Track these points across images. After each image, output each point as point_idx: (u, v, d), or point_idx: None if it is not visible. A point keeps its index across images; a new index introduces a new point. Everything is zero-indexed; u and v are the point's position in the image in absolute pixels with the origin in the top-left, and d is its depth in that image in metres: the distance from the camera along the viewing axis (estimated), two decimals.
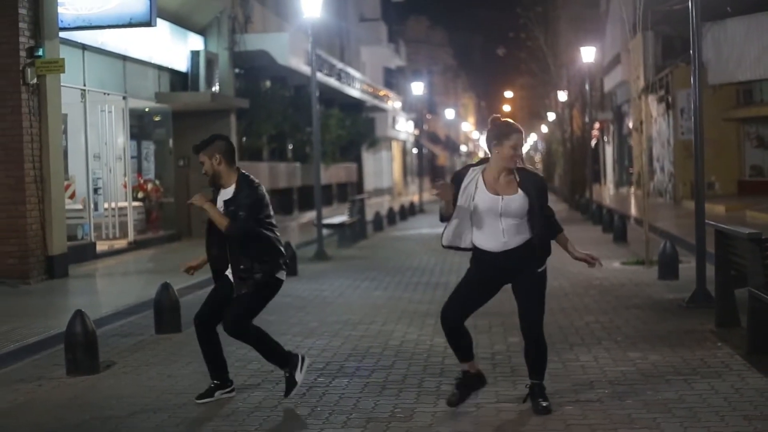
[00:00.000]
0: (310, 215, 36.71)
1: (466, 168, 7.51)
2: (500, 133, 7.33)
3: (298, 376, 7.99)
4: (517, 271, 7.40)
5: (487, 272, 7.43)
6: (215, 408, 7.77)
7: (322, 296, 14.41)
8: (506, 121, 7.47)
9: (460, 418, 7.29)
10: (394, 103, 58.93)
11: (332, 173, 43.39)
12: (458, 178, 7.41)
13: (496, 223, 7.29)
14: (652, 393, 7.79)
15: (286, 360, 8.04)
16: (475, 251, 7.43)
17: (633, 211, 32.18)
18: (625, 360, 9.07)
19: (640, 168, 19.10)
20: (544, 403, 7.40)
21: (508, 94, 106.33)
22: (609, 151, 57.06)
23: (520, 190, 7.29)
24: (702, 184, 12.17)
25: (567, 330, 10.77)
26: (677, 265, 14.70)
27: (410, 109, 65.13)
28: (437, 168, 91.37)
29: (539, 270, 7.44)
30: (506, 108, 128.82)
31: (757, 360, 8.71)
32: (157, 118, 26.01)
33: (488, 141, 7.41)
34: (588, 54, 32.86)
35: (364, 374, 8.56)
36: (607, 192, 51.24)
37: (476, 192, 7.30)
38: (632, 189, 46.78)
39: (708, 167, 27.78)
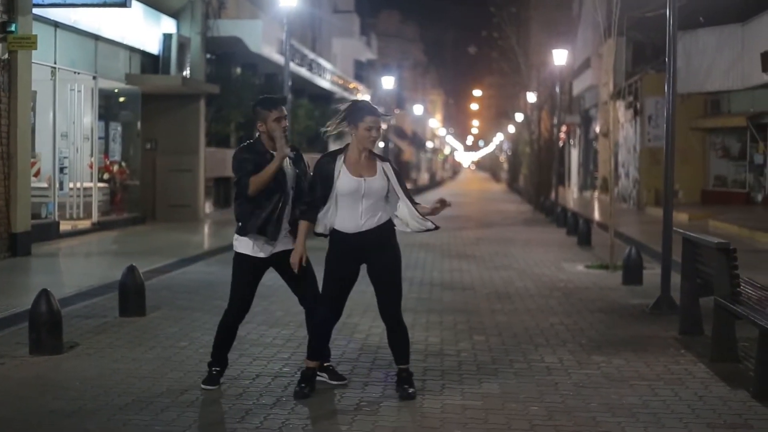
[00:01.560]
0: None
1: (330, 155, 7.70)
2: (354, 115, 7.60)
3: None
4: (370, 253, 7.65)
5: (344, 254, 7.68)
6: (178, 395, 7.72)
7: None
8: (362, 102, 7.80)
9: (426, 415, 7.28)
10: (363, 96, 58.87)
11: None
12: (324, 168, 7.59)
13: (357, 204, 7.54)
14: (616, 397, 7.82)
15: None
16: (333, 234, 7.67)
17: (597, 215, 32.32)
18: (589, 363, 9.10)
19: (608, 173, 19.14)
20: (411, 390, 7.68)
21: (477, 92, 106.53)
22: (575, 155, 57.28)
23: (378, 172, 7.61)
24: (671, 192, 12.26)
25: (532, 330, 10.79)
26: (641, 271, 14.79)
27: (379, 103, 64.94)
28: (402, 163, 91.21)
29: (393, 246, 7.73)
30: (474, 106, 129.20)
31: (720, 369, 8.78)
32: (125, 100, 25.85)
33: (347, 122, 7.66)
34: (560, 57, 32.94)
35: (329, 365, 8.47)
36: (570, 195, 51.41)
37: (339, 176, 7.53)
38: (596, 193, 46.99)
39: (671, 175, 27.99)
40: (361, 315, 11.69)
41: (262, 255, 7.86)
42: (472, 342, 10.11)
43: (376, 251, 7.64)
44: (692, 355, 9.40)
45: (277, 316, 11.55)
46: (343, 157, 7.60)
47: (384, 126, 7.92)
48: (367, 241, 7.58)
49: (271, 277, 15.00)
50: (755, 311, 8.38)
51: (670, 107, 12.00)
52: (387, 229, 7.68)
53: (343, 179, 7.51)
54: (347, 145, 7.69)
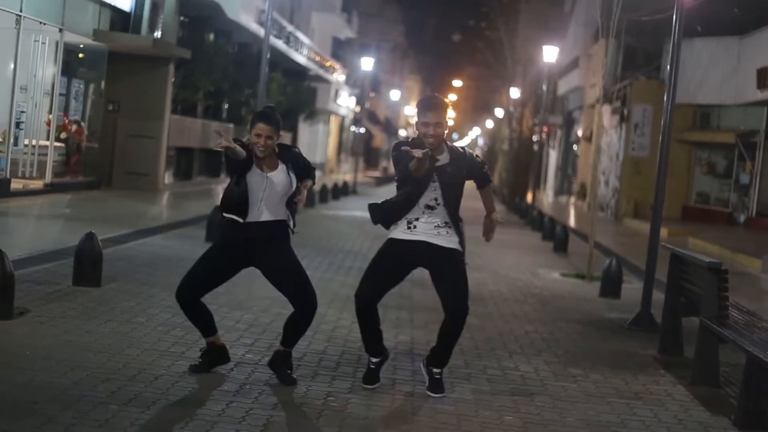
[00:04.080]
0: None
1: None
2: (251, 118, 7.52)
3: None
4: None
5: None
6: (136, 373, 7.30)
7: (250, 268, 13.89)
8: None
9: (396, 415, 6.93)
10: (338, 76, 58.13)
11: None
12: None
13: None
14: (593, 413, 7.51)
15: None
16: None
17: (572, 221, 32.01)
18: (565, 375, 8.76)
19: (591, 180, 18.79)
20: (290, 372, 7.58)
21: (457, 82, 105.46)
22: (553, 157, 56.76)
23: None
24: (660, 205, 11.90)
25: (506, 337, 10.44)
26: (620, 284, 14.39)
27: (354, 85, 64.17)
28: (372, 149, 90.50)
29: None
30: (452, 97, 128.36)
31: (700, 392, 8.47)
32: (91, 57, 25.13)
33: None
34: (550, 53, 32.23)
35: (294, 356, 8.08)
36: (545, 198, 50.96)
37: None
38: (572, 199, 46.55)
39: (652, 188, 27.38)
40: (327, 305, 11.30)
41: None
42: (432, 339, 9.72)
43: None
44: (672, 376, 9.08)
45: (240, 299, 11.11)
46: None
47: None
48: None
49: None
50: (742, 336, 8.07)
51: (667, 118, 11.62)
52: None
53: None
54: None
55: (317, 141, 60.43)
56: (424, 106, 7.45)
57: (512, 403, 7.57)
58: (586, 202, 39.68)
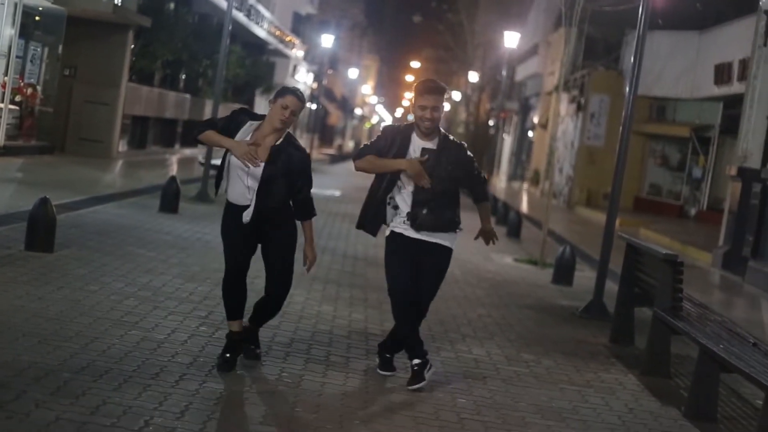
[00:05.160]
0: (192, 152, 35.62)
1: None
2: (278, 91, 7.30)
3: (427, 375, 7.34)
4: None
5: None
6: (89, 341, 7.20)
7: (204, 239, 13.81)
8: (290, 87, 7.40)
9: (349, 395, 6.91)
10: (297, 51, 57.76)
11: (221, 113, 42.36)
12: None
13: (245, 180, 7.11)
14: (546, 399, 7.54)
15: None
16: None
17: (525, 207, 32.04)
18: (518, 360, 8.79)
19: (546, 166, 18.80)
20: (258, 350, 7.46)
21: (415, 64, 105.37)
22: (508, 142, 56.78)
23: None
24: (618, 194, 11.93)
25: (459, 320, 10.45)
26: (573, 272, 14.43)
27: (312, 61, 63.76)
28: (327, 127, 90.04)
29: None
30: (409, 78, 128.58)
31: (650, 382, 8.53)
32: (49, 20, 24.74)
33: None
34: (511, 39, 32.17)
35: None
36: (499, 183, 51.02)
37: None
38: (525, 185, 46.65)
39: (606, 178, 27.76)
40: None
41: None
42: None
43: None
44: (622, 365, 9.13)
45: (194, 270, 11.02)
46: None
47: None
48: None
49: (187, 228, 14.56)
50: (695, 328, 8.14)
51: (628, 110, 11.68)
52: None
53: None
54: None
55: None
56: (423, 90, 7.43)
57: (465, 386, 7.59)
58: (539, 189, 39.76)
